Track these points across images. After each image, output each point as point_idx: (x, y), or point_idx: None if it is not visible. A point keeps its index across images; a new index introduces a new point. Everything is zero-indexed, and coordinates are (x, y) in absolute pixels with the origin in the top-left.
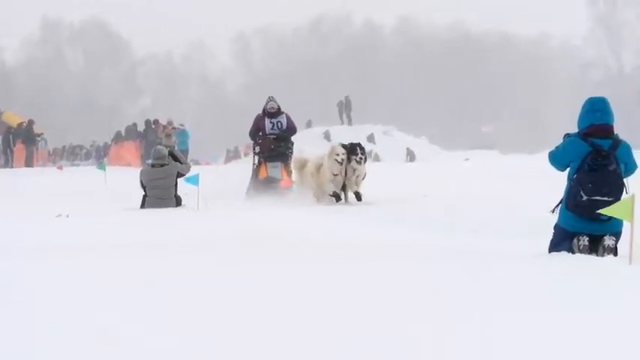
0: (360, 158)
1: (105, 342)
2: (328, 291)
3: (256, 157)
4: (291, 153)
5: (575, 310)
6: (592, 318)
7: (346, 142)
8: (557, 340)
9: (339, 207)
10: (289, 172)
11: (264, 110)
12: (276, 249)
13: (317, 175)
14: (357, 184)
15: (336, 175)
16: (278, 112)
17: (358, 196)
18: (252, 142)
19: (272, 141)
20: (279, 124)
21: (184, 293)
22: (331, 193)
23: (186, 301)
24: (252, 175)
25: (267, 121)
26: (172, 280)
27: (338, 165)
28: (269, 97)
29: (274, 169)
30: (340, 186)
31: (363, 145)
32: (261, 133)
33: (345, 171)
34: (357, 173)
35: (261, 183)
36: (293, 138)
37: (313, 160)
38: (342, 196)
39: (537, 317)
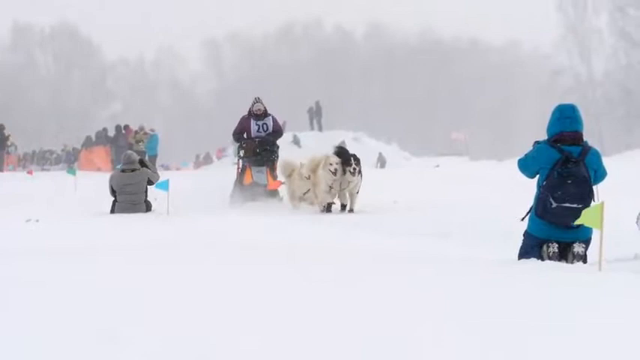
0: (354, 169)
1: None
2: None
3: (240, 161)
4: (277, 157)
5: (554, 317)
6: (574, 323)
7: (318, 149)
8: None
9: (318, 215)
10: (274, 177)
11: (249, 112)
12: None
13: (313, 177)
14: (351, 197)
15: (331, 187)
16: (264, 114)
17: (344, 207)
18: (224, 146)
19: (257, 144)
20: (264, 126)
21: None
22: (322, 209)
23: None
24: (237, 179)
25: (252, 122)
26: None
27: (332, 175)
28: (255, 99)
29: (259, 175)
30: (334, 197)
31: (357, 157)
32: (245, 135)
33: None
34: (351, 185)
35: (247, 189)
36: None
37: (306, 163)
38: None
39: (515, 325)
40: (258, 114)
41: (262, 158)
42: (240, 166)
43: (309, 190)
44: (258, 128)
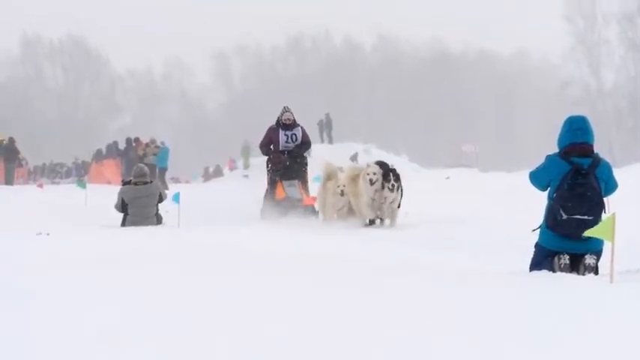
0: (393, 185)
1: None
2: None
3: (269, 175)
4: (307, 170)
5: (565, 328)
6: (586, 334)
7: (330, 159)
8: None
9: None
10: (307, 190)
11: (278, 121)
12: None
13: (354, 192)
14: (391, 214)
15: (372, 199)
16: (293, 124)
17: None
18: (235, 158)
19: (287, 157)
20: (293, 136)
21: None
22: (367, 222)
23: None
24: (267, 194)
25: (281, 133)
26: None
27: (370, 185)
28: (284, 107)
29: (292, 189)
30: (376, 211)
31: (397, 172)
32: (272, 147)
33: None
34: (389, 201)
35: (279, 204)
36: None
37: (347, 173)
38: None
39: (526, 335)
40: (288, 124)
41: (293, 171)
42: (269, 179)
43: (343, 206)
44: (287, 139)
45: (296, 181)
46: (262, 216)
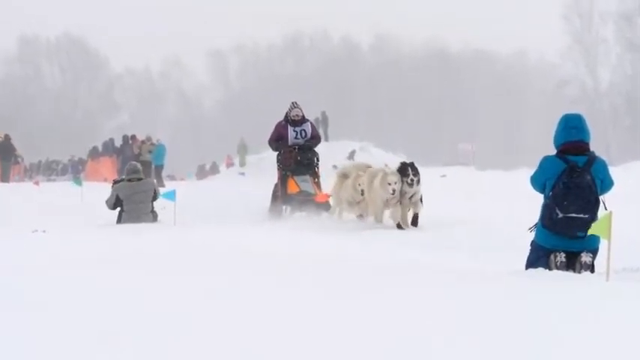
0: (412, 180)
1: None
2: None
3: (280, 171)
4: (318, 165)
5: (561, 326)
6: (582, 333)
7: (324, 158)
8: None
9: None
10: (319, 185)
11: (286, 117)
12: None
13: (370, 192)
14: (413, 208)
15: (388, 199)
16: (302, 120)
17: (414, 222)
18: (228, 157)
19: (297, 152)
20: (302, 132)
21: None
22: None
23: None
24: (279, 190)
25: (290, 129)
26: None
27: (390, 194)
28: (293, 104)
29: (305, 184)
30: (398, 212)
31: (415, 166)
32: (281, 142)
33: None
34: (408, 196)
35: (291, 199)
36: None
37: (363, 175)
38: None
39: (523, 334)
40: (296, 120)
41: (304, 167)
42: (280, 175)
43: (360, 202)
44: (296, 135)
45: (308, 176)
46: (271, 212)
